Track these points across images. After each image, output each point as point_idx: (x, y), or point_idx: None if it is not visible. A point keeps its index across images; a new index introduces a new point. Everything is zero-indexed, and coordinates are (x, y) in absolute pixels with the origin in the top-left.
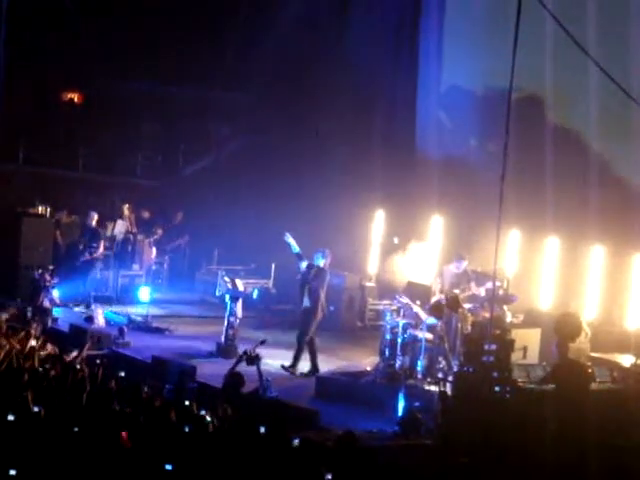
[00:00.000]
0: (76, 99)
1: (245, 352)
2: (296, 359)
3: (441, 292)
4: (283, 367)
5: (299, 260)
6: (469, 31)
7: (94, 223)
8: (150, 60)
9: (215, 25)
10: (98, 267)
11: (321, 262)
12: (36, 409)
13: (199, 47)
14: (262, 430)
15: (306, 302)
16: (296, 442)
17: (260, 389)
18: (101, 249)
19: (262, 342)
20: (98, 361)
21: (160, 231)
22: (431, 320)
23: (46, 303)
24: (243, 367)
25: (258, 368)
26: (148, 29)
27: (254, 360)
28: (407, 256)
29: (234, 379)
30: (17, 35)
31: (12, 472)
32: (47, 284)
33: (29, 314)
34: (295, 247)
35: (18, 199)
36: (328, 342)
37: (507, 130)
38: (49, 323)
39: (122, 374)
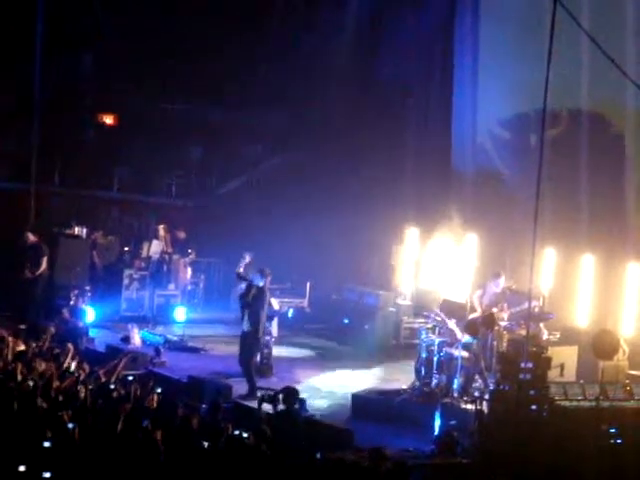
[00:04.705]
0: (111, 120)
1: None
2: (252, 386)
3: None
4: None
5: (239, 280)
6: (505, 45)
7: (31, 241)
8: (183, 81)
9: (247, 45)
10: (42, 284)
11: (260, 282)
12: (70, 426)
13: (231, 68)
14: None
15: (245, 325)
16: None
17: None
18: (44, 266)
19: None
20: (131, 378)
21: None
22: (467, 338)
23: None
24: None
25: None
26: (178, 51)
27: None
28: (441, 274)
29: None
30: (53, 57)
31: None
32: (72, 303)
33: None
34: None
35: (54, 220)
36: (363, 361)
37: (541, 150)
38: (83, 343)
39: (159, 390)
